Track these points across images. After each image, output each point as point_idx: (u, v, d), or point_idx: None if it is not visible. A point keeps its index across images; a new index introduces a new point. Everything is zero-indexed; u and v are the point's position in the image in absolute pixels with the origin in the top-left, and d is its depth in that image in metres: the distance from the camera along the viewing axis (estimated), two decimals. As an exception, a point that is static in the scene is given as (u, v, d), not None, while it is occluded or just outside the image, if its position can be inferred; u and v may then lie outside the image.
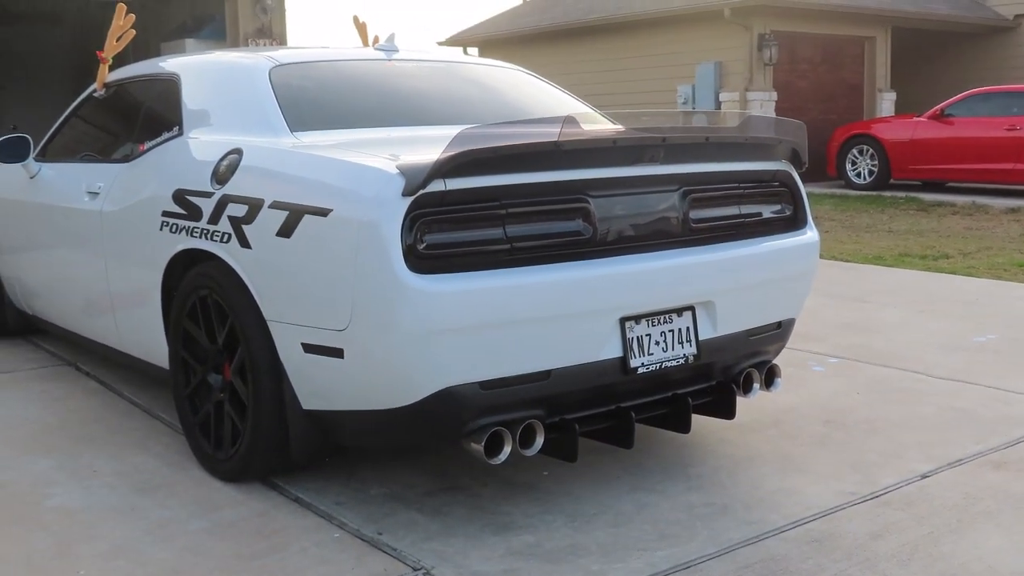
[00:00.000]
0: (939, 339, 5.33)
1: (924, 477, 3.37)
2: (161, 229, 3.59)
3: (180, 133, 3.79)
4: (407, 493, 3.30)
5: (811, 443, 3.72)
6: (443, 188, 2.76)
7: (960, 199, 12.51)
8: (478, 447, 2.93)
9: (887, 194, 13.36)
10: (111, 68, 4.67)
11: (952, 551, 2.82)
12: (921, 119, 13.66)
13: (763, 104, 15.27)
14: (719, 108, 15.39)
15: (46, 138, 4.98)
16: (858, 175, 14.25)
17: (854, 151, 14.27)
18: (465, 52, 18.67)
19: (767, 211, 3.54)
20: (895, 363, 4.84)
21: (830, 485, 3.31)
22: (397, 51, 4.19)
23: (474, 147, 2.74)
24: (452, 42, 20.57)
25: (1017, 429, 3.83)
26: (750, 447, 3.69)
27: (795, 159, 3.57)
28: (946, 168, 13.29)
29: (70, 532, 3.04)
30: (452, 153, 2.71)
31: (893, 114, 16.60)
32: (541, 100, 4.16)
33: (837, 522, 3.02)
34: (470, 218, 2.84)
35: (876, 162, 14.00)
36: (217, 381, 3.45)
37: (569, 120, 2.85)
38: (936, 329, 5.58)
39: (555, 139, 2.83)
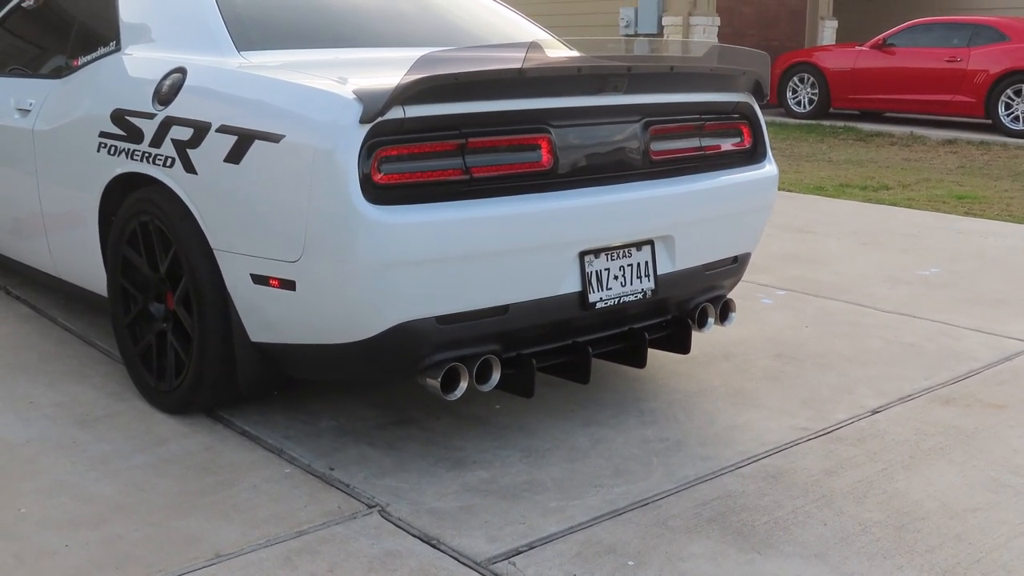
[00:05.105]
0: (884, 271, 5.38)
1: (875, 413, 3.40)
2: (99, 150, 3.42)
3: (117, 48, 3.59)
4: (357, 426, 3.24)
5: (763, 377, 3.73)
6: (402, 115, 2.65)
7: (897, 129, 12.62)
8: (434, 383, 2.87)
9: (826, 123, 13.42)
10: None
11: (906, 488, 2.84)
12: (863, 48, 13.66)
13: (706, 29, 15.14)
14: (661, 33, 15.23)
15: (-31, 50, 4.71)
16: (798, 103, 14.27)
17: (795, 79, 14.26)
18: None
19: (727, 143, 3.49)
20: (842, 296, 4.88)
21: (783, 420, 3.32)
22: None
23: (436, 73, 2.62)
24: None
25: (964, 364, 3.89)
26: (702, 381, 3.68)
27: (757, 91, 3.51)
28: (886, 98, 13.36)
29: (10, 467, 2.92)
30: (413, 79, 2.59)
31: (834, 42, 16.60)
32: (495, 24, 4.02)
33: (792, 458, 3.04)
34: (429, 147, 2.73)
35: (816, 91, 14.02)
36: (159, 310, 3.33)
37: (534, 47, 2.74)
38: (880, 261, 5.63)
39: (519, 66, 2.72)
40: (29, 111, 3.90)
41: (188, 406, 3.26)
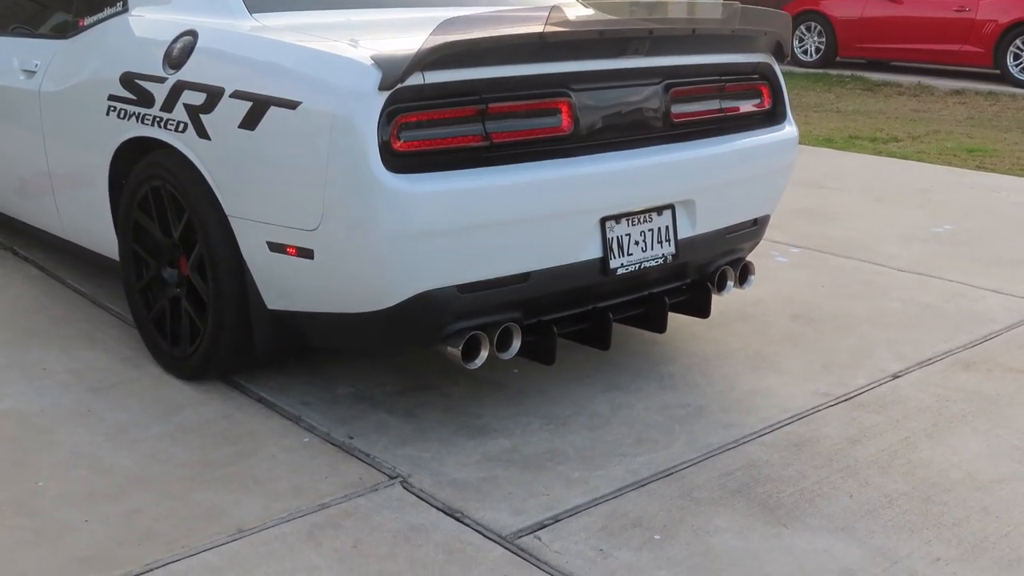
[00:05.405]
0: (897, 228, 5.33)
1: (896, 377, 3.37)
2: (108, 114, 3.35)
3: (124, 9, 3.50)
4: (375, 393, 3.21)
5: (781, 340, 3.70)
6: (421, 81, 2.59)
7: (905, 79, 12.47)
8: (455, 351, 2.84)
9: (833, 72, 13.26)
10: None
11: (930, 457, 2.83)
12: (871, -4, 13.48)
13: (712, -24, 14.90)
14: (667, -21, 14.98)
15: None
16: (805, 52, 14.11)
17: (802, 27, 14.08)
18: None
19: (747, 105, 3.42)
20: (856, 254, 4.83)
21: (804, 386, 3.30)
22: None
23: (455, 38, 2.55)
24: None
25: (983, 327, 3.85)
26: (720, 344, 3.65)
27: (778, 52, 3.44)
28: (894, 48, 13.20)
29: (26, 438, 2.90)
30: (432, 45, 2.52)
31: (841, -10, 16.35)
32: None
33: (814, 425, 3.01)
34: (449, 113, 2.67)
35: (823, 39, 13.85)
36: (173, 276, 3.29)
37: (556, 10, 2.67)
38: (893, 217, 5.57)
39: (540, 30, 2.65)
40: (35, 72, 3.82)
41: (204, 372, 3.23)
